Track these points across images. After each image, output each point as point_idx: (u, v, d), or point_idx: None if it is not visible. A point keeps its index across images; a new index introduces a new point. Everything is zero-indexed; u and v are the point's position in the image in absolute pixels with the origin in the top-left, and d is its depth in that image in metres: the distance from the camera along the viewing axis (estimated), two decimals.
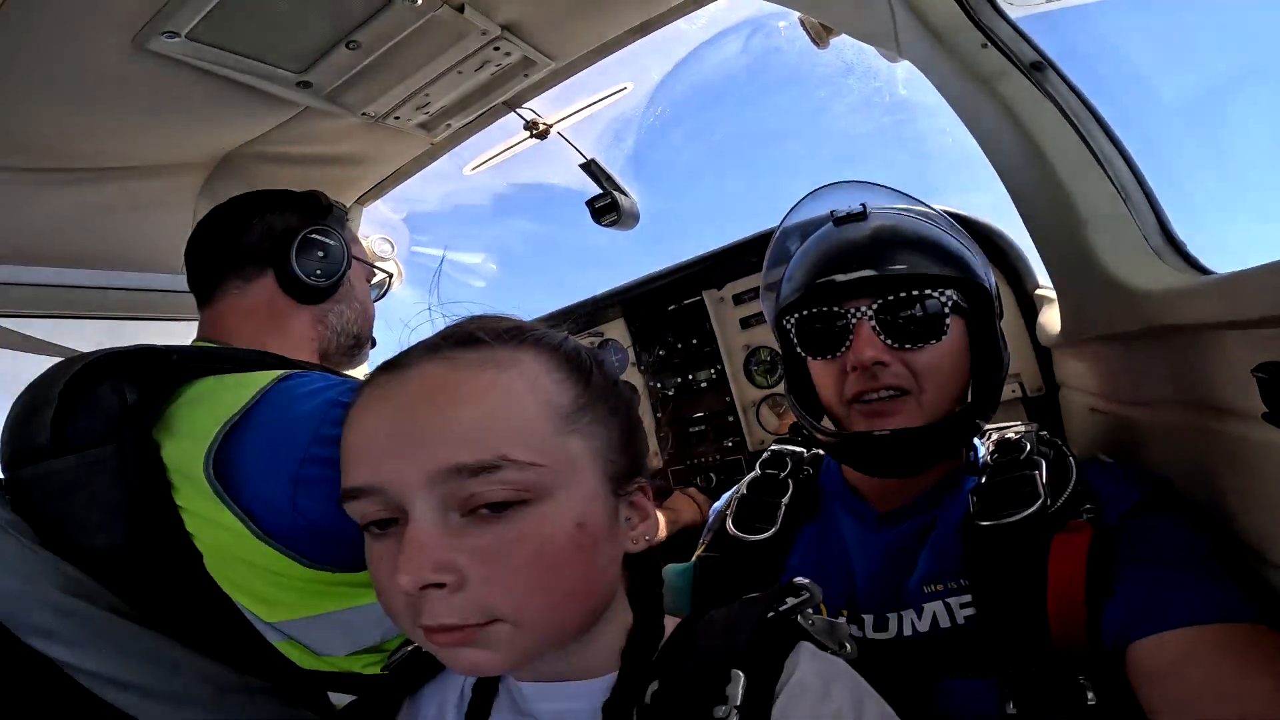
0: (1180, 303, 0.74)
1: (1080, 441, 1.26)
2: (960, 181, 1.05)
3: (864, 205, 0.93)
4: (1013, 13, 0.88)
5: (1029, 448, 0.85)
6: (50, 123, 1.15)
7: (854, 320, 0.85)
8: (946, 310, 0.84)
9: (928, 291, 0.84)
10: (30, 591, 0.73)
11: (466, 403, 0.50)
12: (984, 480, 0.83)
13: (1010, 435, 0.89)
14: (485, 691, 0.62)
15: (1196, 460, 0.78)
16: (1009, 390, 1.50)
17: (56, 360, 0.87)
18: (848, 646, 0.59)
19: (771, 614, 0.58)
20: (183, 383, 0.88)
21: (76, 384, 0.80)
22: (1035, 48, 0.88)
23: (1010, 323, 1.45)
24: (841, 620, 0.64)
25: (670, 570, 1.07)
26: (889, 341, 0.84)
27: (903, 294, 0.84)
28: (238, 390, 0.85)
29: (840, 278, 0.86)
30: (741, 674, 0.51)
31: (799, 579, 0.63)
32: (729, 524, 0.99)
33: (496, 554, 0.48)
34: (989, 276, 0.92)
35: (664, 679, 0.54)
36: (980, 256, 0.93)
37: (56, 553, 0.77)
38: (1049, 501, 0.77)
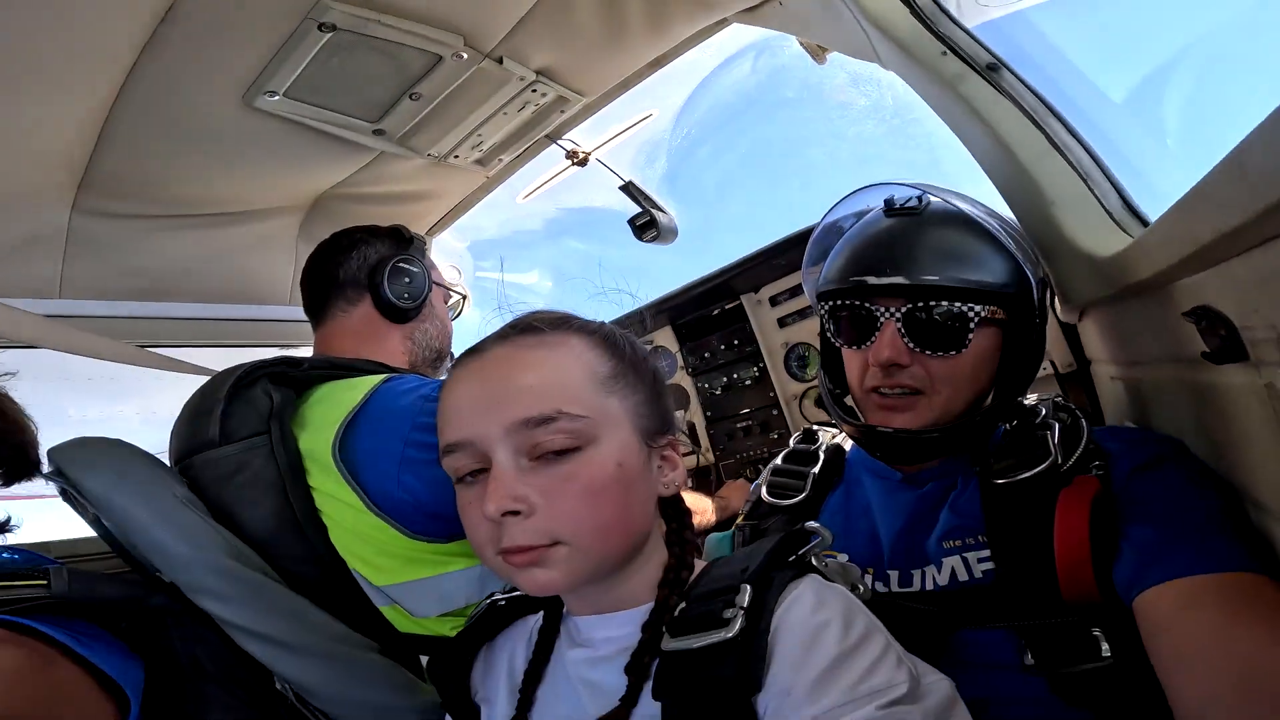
0: (1132, 260, 0.80)
1: (1112, 412, 1.27)
2: (972, 174, 1.12)
3: (920, 198, 0.94)
4: (967, 20, 0.99)
5: (1044, 413, 0.89)
6: (176, 173, 1.43)
7: (882, 319, 0.89)
8: (972, 325, 0.86)
9: (957, 304, 0.86)
10: (200, 557, 0.90)
11: (529, 372, 0.66)
12: (1001, 442, 0.88)
13: (1026, 402, 0.93)
14: (549, 631, 0.75)
15: (1188, 413, 0.81)
16: (1042, 370, 1.53)
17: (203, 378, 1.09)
18: (860, 589, 0.69)
19: (782, 548, 0.68)
20: (310, 386, 1.09)
21: (237, 388, 1.02)
22: (989, 51, 0.98)
23: None
24: (855, 566, 0.73)
25: (712, 538, 1.19)
26: (911, 344, 0.87)
27: (931, 303, 0.87)
28: (351, 391, 1.04)
29: (872, 280, 0.89)
30: (749, 587, 0.62)
31: (811, 524, 0.72)
32: (763, 492, 1.08)
33: (556, 488, 0.62)
34: (1039, 285, 0.92)
35: (689, 599, 0.65)
36: (1035, 266, 0.93)
37: (221, 525, 0.96)
38: (1059, 460, 0.80)
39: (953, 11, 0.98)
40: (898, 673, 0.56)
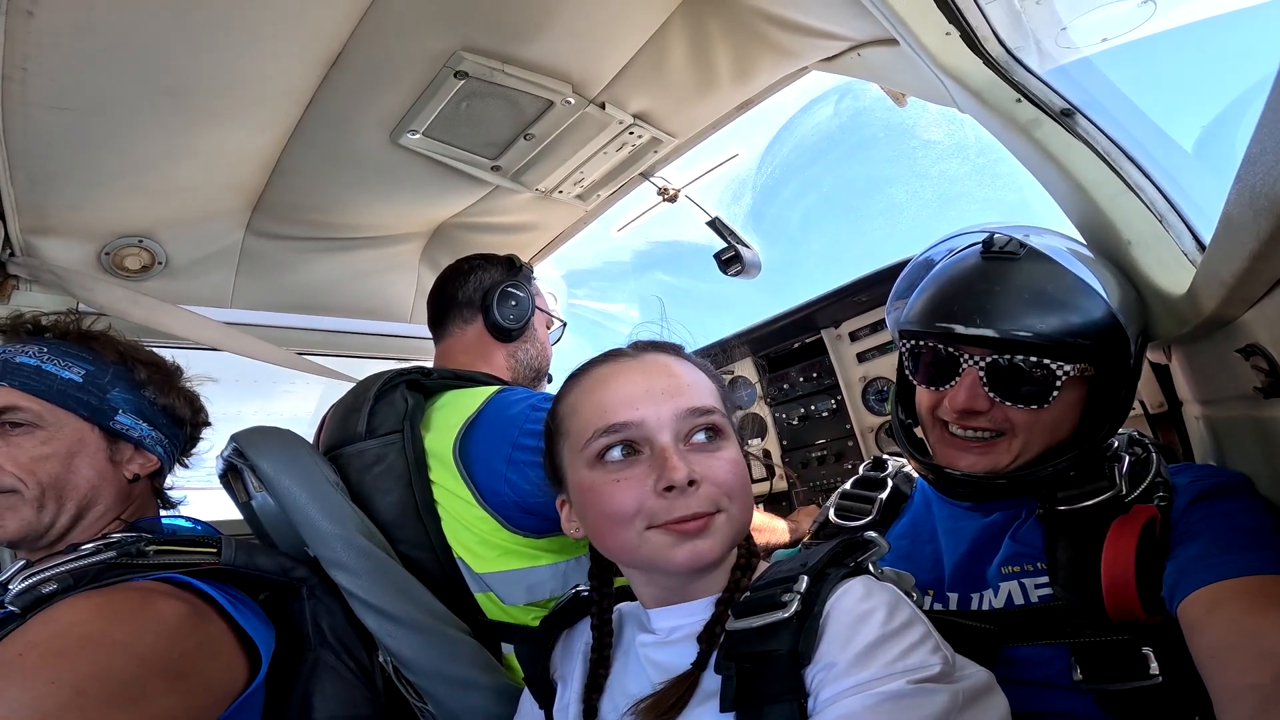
0: (1197, 297, 0.80)
1: (1200, 452, 1.22)
2: (1059, 211, 1.14)
3: (1023, 243, 0.91)
4: (1042, 68, 1.03)
5: (1116, 445, 0.90)
6: (331, 201, 1.68)
7: (964, 365, 0.89)
8: (1059, 383, 0.85)
9: (1045, 361, 0.85)
10: (341, 533, 1.05)
11: (687, 374, 0.79)
12: (1070, 473, 0.89)
13: None
14: (603, 625, 0.84)
15: (1254, 448, 0.81)
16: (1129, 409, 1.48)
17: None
18: (913, 595, 0.75)
19: (841, 551, 0.74)
20: (436, 393, 1.26)
21: (382, 391, 1.20)
22: (1063, 97, 1.02)
23: None
24: (909, 575, 0.78)
25: (778, 553, 1.25)
26: (992, 394, 0.87)
27: (1018, 358, 0.86)
28: (470, 399, 1.20)
29: (959, 330, 0.87)
30: (807, 577, 0.69)
31: (870, 533, 0.77)
32: (831, 513, 1.12)
33: (714, 466, 0.73)
34: (1135, 340, 0.89)
35: (753, 589, 0.73)
36: (1136, 320, 0.91)
37: (359, 508, 1.12)
38: (1124, 490, 0.82)
39: (1030, 60, 1.03)
40: (932, 656, 0.61)
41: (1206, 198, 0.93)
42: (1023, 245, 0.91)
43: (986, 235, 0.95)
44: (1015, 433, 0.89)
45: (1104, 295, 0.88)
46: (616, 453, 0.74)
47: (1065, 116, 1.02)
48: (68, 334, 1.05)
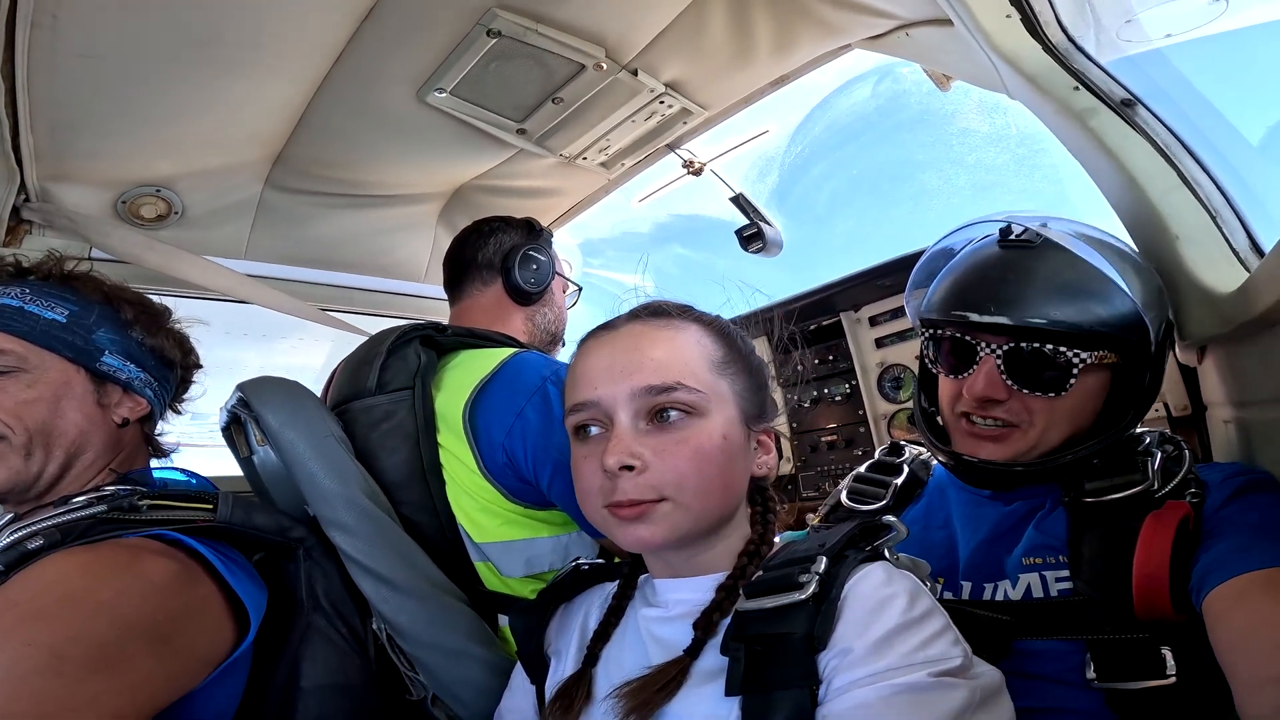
0: (1248, 296, 0.79)
1: (1221, 455, 1.22)
2: (1098, 206, 1.11)
3: (1040, 230, 0.90)
4: (1102, 57, 1.00)
5: (1148, 440, 0.89)
6: (353, 158, 1.64)
7: (981, 353, 0.89)
8: (1075, 370, 0.85)
9: (1061, 349, 0.85)
10: (343, 492, 1.01)
11: (656, 347, 0.74)
12: (1096, 463, 0.87)
13: (1135, 432, 0.92)
14: (625, 592, 0.82)
15: None
16: (1152, 410, 1.47)
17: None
18: (928, 584, 0.72)
19: (859, 534, 0.72)
20: (450, 351, 1.23)
21: (395, 345, 1.17)
22: (1124, 87, 0.98)
23: None
24: (925, 563, 0.76)
25: (786, 535, 1.24)
26: (1010, 382, 0.87)
27: (1035, 344, 0.86)
28: (485, 360, 1.16)
29: (974, 318, 0.88)
30: (825, 558, 0.67)
31: (888, 518, 0.75)
32: (843, 496, 1.11)
33: (669, 449, 0.70)
34: (1159, 329, 0.89)
35: (765, 569, 0.71)
36: (1159, 309, 0.90)
37: (363, 466, 1.08)
38: (1155, 485, 0.81)
39: (1090, 48, 0.99)
40: (953, 649, 0.60)
41: (1271, 195, 0.90)
42: (1039, 234, 0.91)
43: (1004, 224, 0.95)
44: (1034, 421, 0.88)
45: (1121, 283, 0.87)
46: (587, 430, 0.75)
47: (1125, 107, 0.99)
48: (50, 275, 1.00)
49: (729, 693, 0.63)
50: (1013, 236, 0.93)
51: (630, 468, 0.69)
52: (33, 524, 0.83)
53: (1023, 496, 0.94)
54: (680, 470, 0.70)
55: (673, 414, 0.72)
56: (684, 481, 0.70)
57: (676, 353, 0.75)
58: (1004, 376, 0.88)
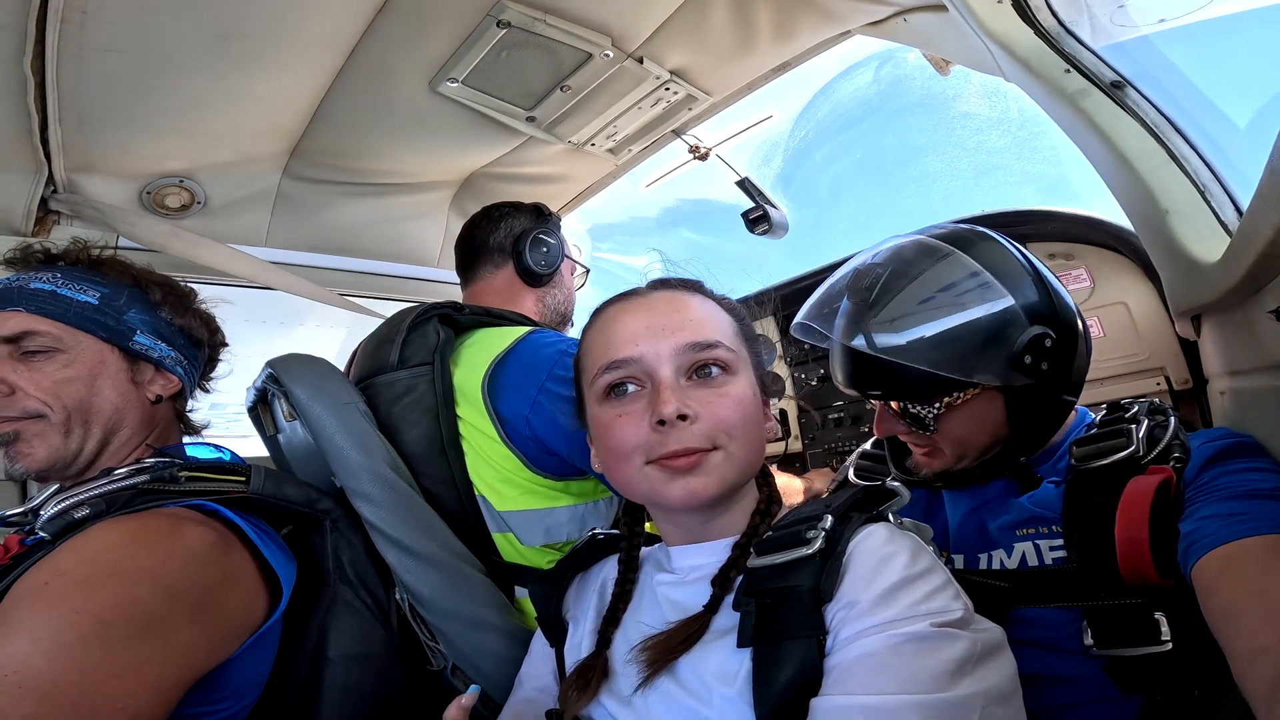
0: (1229, 263, 0.81)
1: (1219, 425, 1.26)
2: (1099, 187, 1.14)
3: (872, 284, 0.95)
4: (1096, 42, 1.02)
5: (1135, 409, 0.92)
6: (368, 147, 1.69)
7: (870, 400, 1.01)
8: (933, 416, 0.94)
9: (912, 407, 0.95)
10: (368, 464, 1.05)
11: (694, 309, 0.79)
12: (1086, 433, 0.91)
13: (1122, 401, 0.97)
14: (627, 575, 0.84)
15: (1276, 418, 0.82)
16: (1154, 384, 1.50)
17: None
18: (931, 547, 0.74)
19: (864, 497, 0.75)
20: (468, 330, 1.28)
21: (416, 323, 1.22)
22: (1114, 69, 1.01)
23: (1152, 317, 1.49)
24: (928, 527, 0.78)
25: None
26: (905, 422, 0.97)
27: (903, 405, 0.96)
28: (501, 338, 1.20)
29: (845, 390, 1.01)
30: (831, 517, 0.69)
31: (892, 483, 0.77)
32: (850, 473, 1.15)
33: (715, 400, 0.73)
34: (1026, 350, 0.89)
35: (775, 528, 0.73)
36: (1022, 326, 0.89)
37: (386, 439, 1.13)
38: (1140, 451, 0.83)
39: (1082, 33, 1.02)
40: (954, 602, 0.62)
41: (1254, 169, 0.93)
42: (872, 285, 0.94)
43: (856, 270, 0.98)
44: (942, 446, 0.96)
45: (964, 321, 0.89)
46: (622, 389, 0.76)
47: (1115, 88, 1.02)
48: (79, 261, 1.04)
49: (740, 644, 0.65)
50: (846, 341, 0.96)
51: (684, 416, 0.72)
52: (79, 494, 0.86)
53: (1002, 479, 0.98)
54: (729, 420, 0.73)
55: (714, 370, 0.75)
56: (733, 430, 0.73)
57: (712, 316, 0.80)
58: (897, 418, 0.97)
